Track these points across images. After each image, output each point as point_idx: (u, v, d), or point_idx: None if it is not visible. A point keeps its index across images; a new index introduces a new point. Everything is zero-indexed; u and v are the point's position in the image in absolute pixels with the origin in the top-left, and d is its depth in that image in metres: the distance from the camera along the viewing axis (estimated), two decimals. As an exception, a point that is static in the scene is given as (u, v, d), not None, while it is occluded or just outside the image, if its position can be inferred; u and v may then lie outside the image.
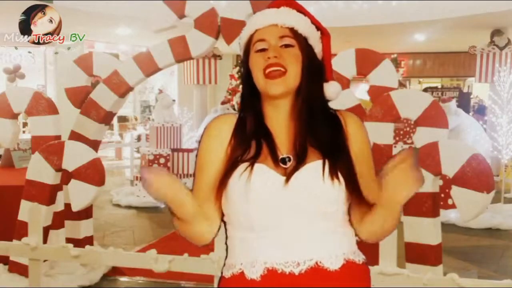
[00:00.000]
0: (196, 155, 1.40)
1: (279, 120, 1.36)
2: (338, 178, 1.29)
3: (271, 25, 1.34)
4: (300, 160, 1.30)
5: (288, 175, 1.28)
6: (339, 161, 1.31)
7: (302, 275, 1.27)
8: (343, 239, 1.34)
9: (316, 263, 1.28)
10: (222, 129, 1.37)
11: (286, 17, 1.34)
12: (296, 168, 1.29)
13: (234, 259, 1.34)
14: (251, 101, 1.37)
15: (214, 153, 1.35)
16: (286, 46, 1.33)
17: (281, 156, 1.31)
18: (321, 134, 1.33)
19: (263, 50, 1.33)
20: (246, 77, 1.37)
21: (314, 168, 1.29)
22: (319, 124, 1.34)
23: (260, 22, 1.36)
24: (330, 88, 1.39)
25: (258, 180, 1.28)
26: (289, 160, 1.30)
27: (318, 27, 1.40)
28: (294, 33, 1.33)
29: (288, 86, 1.32)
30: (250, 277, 1.29)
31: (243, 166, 1.30)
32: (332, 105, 1.42)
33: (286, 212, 1.28)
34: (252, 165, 1.29)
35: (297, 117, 1.34)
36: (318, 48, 1.38)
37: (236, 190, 1.30)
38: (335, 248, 1.31)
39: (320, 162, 1.29)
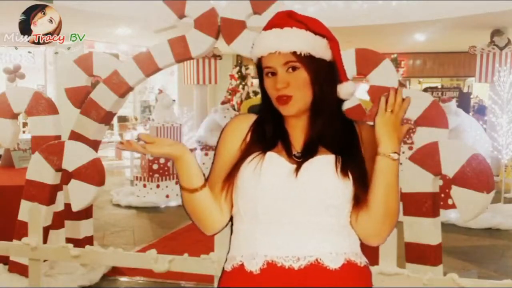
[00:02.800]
0: (215, 148, 1.47)
1: (299, 126, 1.40)
2: (347, 173, 1.32)
3: (273, 52, 1.36)
4: (309, 152, 1.35)
5: (299, 164, 1.32)
6: (350, 158, 1.35)
7: (301, 270, 1.28)
8: (346, 239, 1.35)
9: (316, 260, 1.29)
10: (241, 125, 1.44)
11: (286, 41, 1.35)
12: (306, 158, 1.33)
13: (236, 251, 1.36)
14: (271, 111, 1.41)
15: (230, 144, 1.41)
16: (293, 68, 1.36)
17: (294, 152, 1.36)
18: (334, 133, 1.37)
19: (273, 73, 1.37)
20: (263, 92, 1.43)
21: (325, 161, 1.33)
22: (332, 125, 1.38)
23: (262, 50, 1.38)
24: (344, 89, 1.42)
25: (269, 166, 1.32)
26: (301, 156, 1.36)
27: (324, 34, 1.40)
28: (297, 55, 1.35)
29: (299, 107, 1.37)
30: (250, 269, 1.31)
31: (255, 154, 1.35)
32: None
33: (293, 201, 1.31)
34: (264, 152, 1.34)
35: (312, 128, 1.39)
36: (327, 56, 1.40)
37: (246, 174, 1.34)
38: (336, 247, 1.32)
39: (331, 156, 1.34)
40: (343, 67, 1.45)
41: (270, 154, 1.34)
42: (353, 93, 1.45)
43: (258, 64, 1.42)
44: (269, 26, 1.41)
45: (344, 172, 1.32)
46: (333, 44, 1.41)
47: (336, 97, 1.41)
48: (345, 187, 1.32)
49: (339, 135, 1.37)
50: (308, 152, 1.35)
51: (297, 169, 1.31)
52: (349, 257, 1.33)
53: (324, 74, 1.38)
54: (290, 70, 1.35)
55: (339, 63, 1.44)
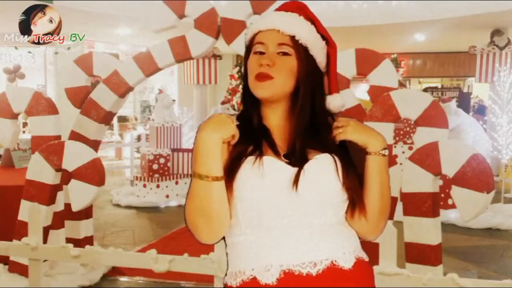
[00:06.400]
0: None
1: (275, 121, 1.36)
2: (344, 171, 1.30)
3: (273, 29, 1.33)
4: (297, 152, 1.30)
5: (299, 167, 1.28)
6: (343, 156, 1.33)
7: (320, 275, 1.24)
8: (351, 236, 1.33)
9: (332, 262, 1.26)
10: None
11: (289, 23, 1.33)
12: (303, 160, 1.29)
13: (242, 265, 1.29)
14: (251, 100, 1.37)
15: None
16: (284, 54, 1.32)
17: (282, 153, 1.31)
18: (318, 145, 1.33)
19: (261, 53, 1.33)
20: (246, 75, 1.38)
21: (324, 161, 1.30)
22: (316, 136, 1.34)
23: (263, 24, 1.36)
24: (332, 101, 1.39)
25: (271, 172, 1.27)
26: (290, 156, 1.31)
27: (325, 36, 1.38)
28: (294, 41, 1.32)
29: (274, 92, 1.31)
30: (265, 282, 1.24)
31: (251, 158, 1.28)
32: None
33: (297, 206, 1.27)
34: (260, 157, 1.28)
35: (294, 120, 1.34)
36: (319, 58, 1.36)
37: (247, 182, 1.26)
38: (347, 246, 1.30)
39: (328, 155, 1.31)
40: (336, 78, 1.40)
41: (268, 159, 1.28)
42: (342, 106, 1.41)
43: (249, 44, 1.38)
44: (276, 10, 1.39)
45: (343, 170, 1.30)
46: (332, 51, 1.38)
47: (321, 104, 1.37)
48: (342, 184, 1.31)
49: (324, 145, 1.33)
50: (296, 152, 1.31)
51: (299, 173, 1.27)
52: (357, 254, 1.31)
53: (313, 73, 1.35)
54: (281, 54, 1.32)
55: (333, 72, 1.39)
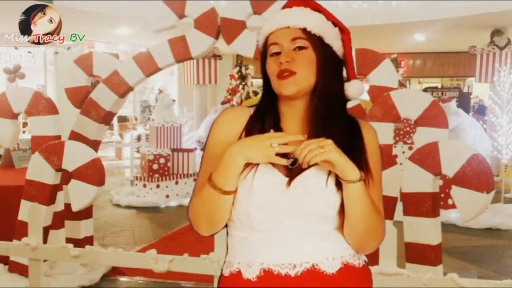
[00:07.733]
0: (205, 144, 1.39)
1: (295, 120, 1.35)
2: (341, 184, 1.27)
3: (283, 28, 1.33)
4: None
5: (291, 177, 1.27)
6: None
7: (298, 277, 1.26)
8: (341, 242, 1.31)
9: (313, 265, 1.27)
10: (234, 121, 1.36)
11: (297, 17, 1.32)
12: (300, 170, 1.27)
13: (233, 257, 1.34)
14: (269, 102, 1.37)
15: (223, 144, 1.32)
16: (300, 48, 1.31)
17: (290, 157, 1.28)
18: (336, 136, 1.28)
19: (277, 53, 1.33)
20: (265, 79, 1.38)
21: (319, 172, 1.27)
22: (335, 126, 1.32)
23: (272, 25, 1.35)
24: (352, 88, 1.37)
25: (261, 180, 1.27)
26: (296, 162, 1.27)
27: (336, 24, 1.37)
28: (307, 33, 1.31)
29: (300, 86, 1.30)
30: (247, 276, 1.29)
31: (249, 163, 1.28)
32: None
33: (286, 212, 1.27)
34: (257, 164, 1.28)
35: (312, 117, 1.33)
36: (336, 46, 1.35)
37: (238, 188, 1.29)
38: (332, 251, 1.29)
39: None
40: (352, 64, 1.39)
41: (263, 166, 1.27)
42: (362, 92, 1.38)
43: (264, 47, 1.37)
44: (282, 9, 1.39)
45: (338, 183, 1.26)
46: (346, 37, 1.37)
47: (340, 92, 1.35)
48: (339, 197, 1.27)
49: (340, 139, 1.28)
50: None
51: (289, 182, 1.26)
52: (346, 260, 1.30)
53: (332, 62, 1.33)
54: (297, 49, 1.31)
55: (349, 59, 1.38)
